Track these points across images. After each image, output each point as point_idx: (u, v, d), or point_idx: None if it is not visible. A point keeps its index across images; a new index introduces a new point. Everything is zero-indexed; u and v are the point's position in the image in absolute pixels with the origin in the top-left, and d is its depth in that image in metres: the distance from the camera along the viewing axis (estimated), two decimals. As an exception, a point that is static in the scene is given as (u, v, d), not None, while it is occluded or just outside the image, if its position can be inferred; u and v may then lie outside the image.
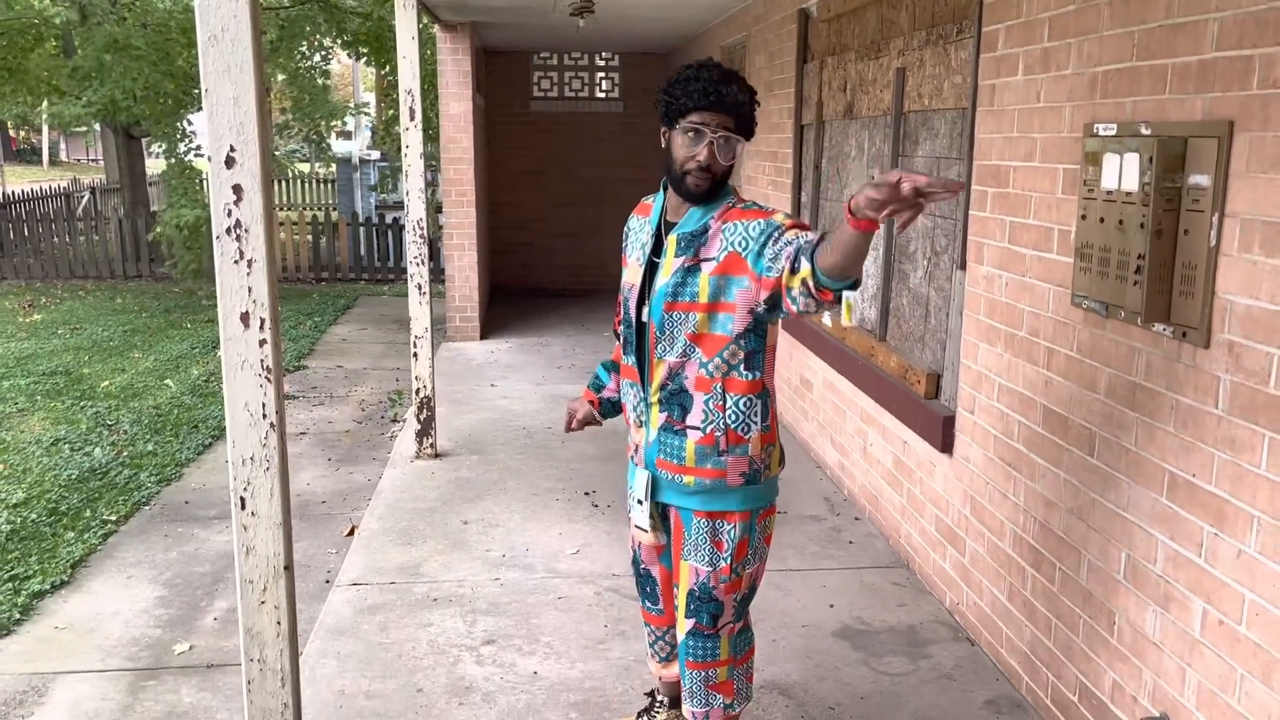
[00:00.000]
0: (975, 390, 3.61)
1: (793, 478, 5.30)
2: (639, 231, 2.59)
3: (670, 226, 2.47)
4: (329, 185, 20.97)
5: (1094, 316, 2.81)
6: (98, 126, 15.16)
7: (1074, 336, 2.94)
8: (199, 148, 11.78)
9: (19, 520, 5.01)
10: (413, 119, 5.24)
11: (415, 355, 5.49)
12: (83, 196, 18.17)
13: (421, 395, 5.50)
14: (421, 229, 5.36)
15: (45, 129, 35.41)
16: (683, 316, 2.40)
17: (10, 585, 4.31)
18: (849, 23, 5.02)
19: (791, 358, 6.02)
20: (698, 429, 2.42)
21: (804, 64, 5.71)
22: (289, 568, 2.26)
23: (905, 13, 4.33)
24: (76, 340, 9.27)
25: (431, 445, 5.57)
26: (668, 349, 2.43)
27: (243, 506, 2.22)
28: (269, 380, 2.17)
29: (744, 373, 2.41)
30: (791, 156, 5.92)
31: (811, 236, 2.21)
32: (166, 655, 3.79)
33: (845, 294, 2.18)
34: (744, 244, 2.33)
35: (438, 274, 11.01)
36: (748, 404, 2.42)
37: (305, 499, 5.40)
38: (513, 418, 6.40)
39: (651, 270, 2.48)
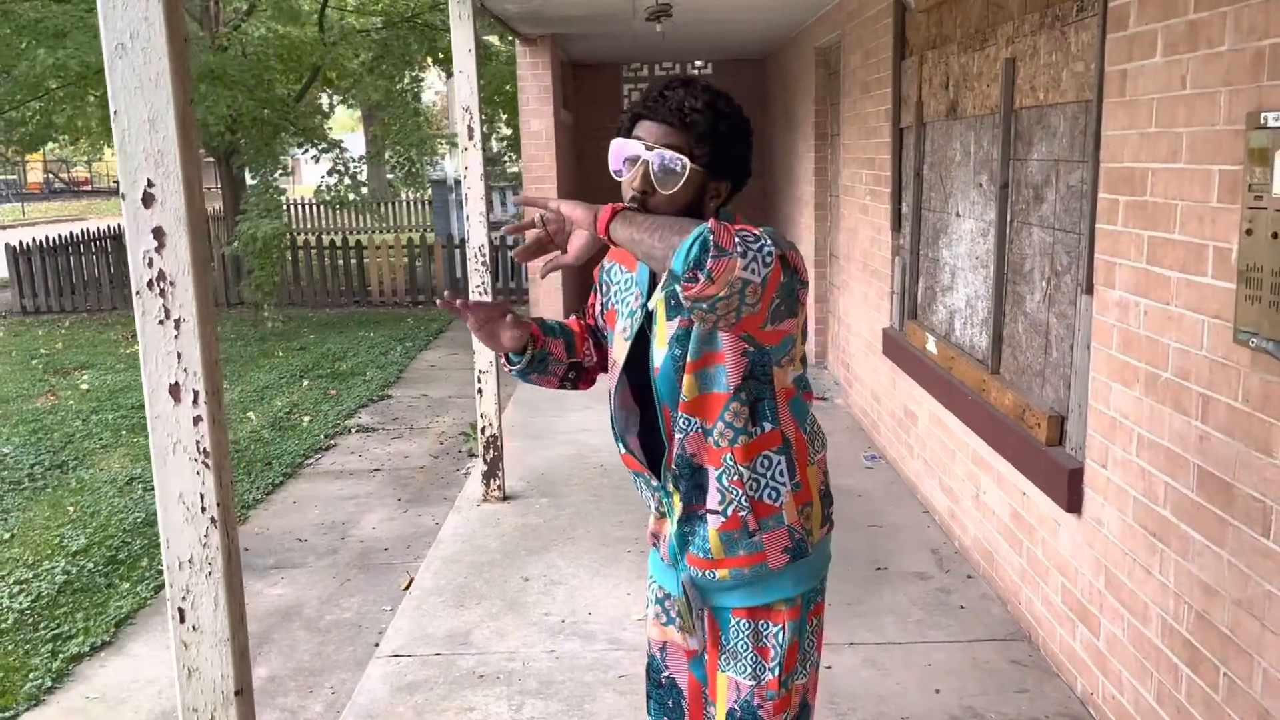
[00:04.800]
0: (1108, 440, 2.99)
1: (896, 523, 4.70)
2: (624, 289, 2.07)
3: (655, 283, 1.96)
4: (425, 206, 21.00)
5: (1267, 359, 2.20)
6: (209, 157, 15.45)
7: (1238, 383, 2.32)
8: (291, 171, 11.78)
9: (75, 570, 4.81)
10: (471, 138, 4.87)
11: (480, 391, 5.10)
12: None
13: (488, 434, 5.11)
14: (483, 255, 4.97)
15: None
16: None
17: (50, 647, 4.08)
18: (950, 10, 4.43)
19: (895, 386, 5.42)
20: (718, 513, 1.92)
21: (901, 60, 5.13)
22: (241, 693, 1.84)
23: (1015, -7, 3.73)
24: (170, 371, 9.26)
25: (499, 487, 5.17)
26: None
27: (181, 619, 1.82)
28: (206, 466, 1.77)
29: (752, 429, 1.89)
30: (890, 163, 5.34)
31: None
32: (193, 734, 3.46)
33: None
34: None
35: (520, 294, 10.68)
36: (766, 463, 1.90)
37: (368, 545, 5.07)
38: (590, 453, 5.96)
39: (643, 342, 1.98)
